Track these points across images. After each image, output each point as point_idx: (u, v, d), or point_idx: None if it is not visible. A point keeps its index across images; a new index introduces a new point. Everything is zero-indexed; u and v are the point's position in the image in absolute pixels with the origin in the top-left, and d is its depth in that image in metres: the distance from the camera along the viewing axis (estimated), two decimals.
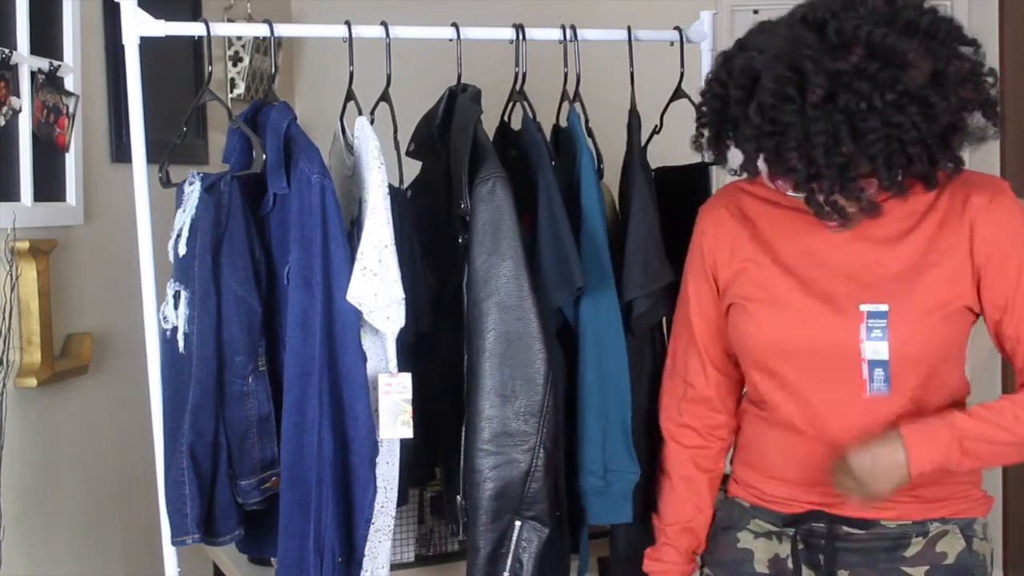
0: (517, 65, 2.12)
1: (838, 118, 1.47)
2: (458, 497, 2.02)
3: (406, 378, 1.93)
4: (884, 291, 1.65)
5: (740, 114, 1.57)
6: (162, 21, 2.00)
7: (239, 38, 3.40)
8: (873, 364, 1.64)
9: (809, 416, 1.69)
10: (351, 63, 2.05)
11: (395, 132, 2.05)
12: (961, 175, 1.64)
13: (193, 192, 1.92)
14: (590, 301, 2.01)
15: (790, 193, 1.62)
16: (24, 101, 2.41)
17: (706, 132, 1.70)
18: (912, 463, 1.58)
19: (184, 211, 1.94)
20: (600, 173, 2.15)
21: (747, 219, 1.79)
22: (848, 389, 1.66)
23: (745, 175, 1.68)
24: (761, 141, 1.53)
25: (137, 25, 1.98)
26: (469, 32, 2.10)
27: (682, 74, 2.24)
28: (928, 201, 1.67)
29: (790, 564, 1.74)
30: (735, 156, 1.69)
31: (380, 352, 1.94)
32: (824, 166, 1.50)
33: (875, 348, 1.63)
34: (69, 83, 2.58)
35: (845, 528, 1.71)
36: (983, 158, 3.52)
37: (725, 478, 2.65)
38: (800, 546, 1.74)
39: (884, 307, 1.64)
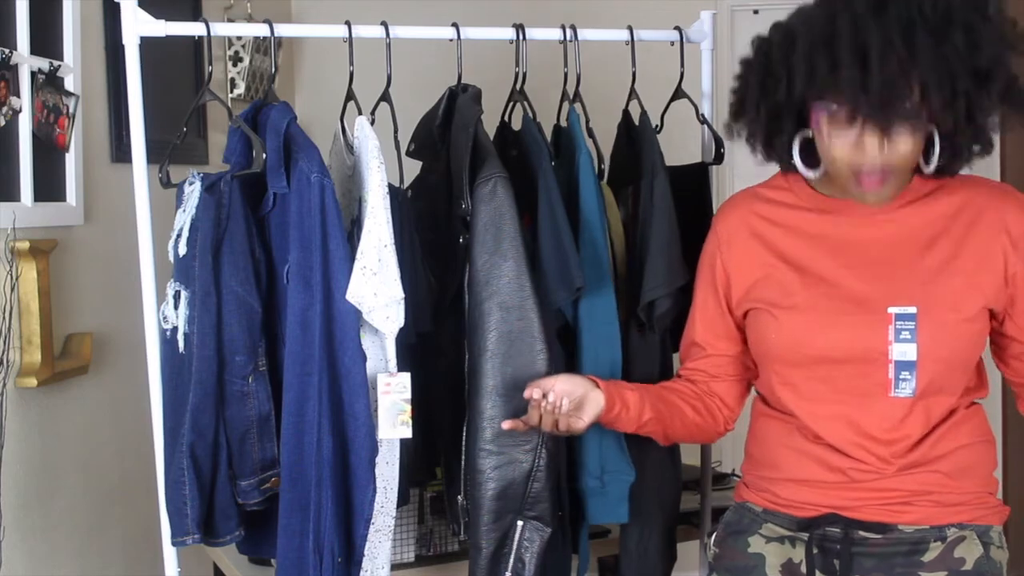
0: (517, 65, 2.12)
1: (892, 27, 1.52)
2: (459, 497, 2.02)
3: (405, 378, 1.93)
4: (912, 294, 1.65)
5: (780, 59, 1.63)
6: (162, 21, 2.00)
7: (239, 38, 3.40)
8: (900, 366, 1.64)
9: (827, 419, 1.68)
10: (351, 63, 2.05)
11: (395, 132, 2.05)
12: (977, 182, 1.70)
13: (193, 192, 1.92)
14: (588, 301, 2.01)
15: (811, 177, 1.66)
16: (24, 101, 2.41)
17: (744, 116, 1.73)
18: None
19: (184, 211, 1.94)
20: (601, 174, 2.15)
21: (765, 224, 1.78)
22: (871, 391, 1.66)
23: (778, 163, 1.73)
24: (815, 58, 1.57)
25: (137, 25, 1.98)
26: (469, 32, 2.10)
27: (682, 74, 2.24)
28: (955, 205, 1.69)
29: (803, 569, 1.71)
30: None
31: (380, 352, 1.94)
32: (877, 73, 1.51)
33: (903, 350, 1.63)
34: (69, 83, 2.58)
35: (861, 533, 1.68)
36: (983, 160, 3.52)
37: (723, 477, 2.66)
38: (815, 551, 1.71)
39: (912, 309, 1.64)
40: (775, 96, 1.65)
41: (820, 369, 1.69)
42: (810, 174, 1.70)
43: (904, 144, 1.59)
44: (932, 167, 1.65)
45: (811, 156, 1.69)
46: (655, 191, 2.04)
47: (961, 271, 1.66)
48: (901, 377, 1.64)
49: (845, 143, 1.60)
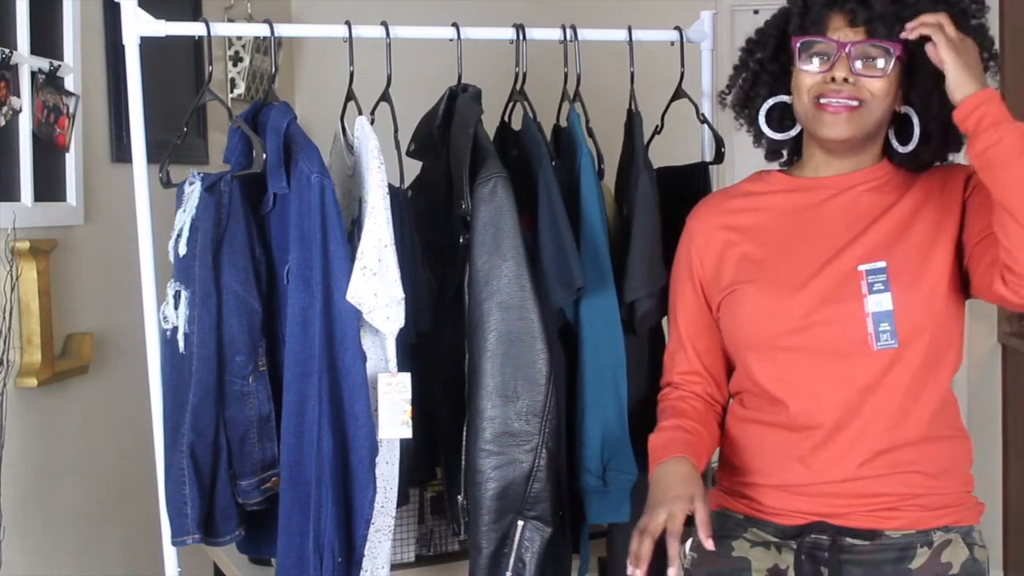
0: (517, 65, 2.12)
1: None
2: (459, 497, 2.02)
3: (406, 378, 1.93)
4: (879, 252, 1.68)
5: (772, 23, 1.80)
6: (162, 21, 2.00)
7: (239, 38, 3.40)
8: (878, 317, 1.64)
9: (813, 393, 1.67)
10: (351, 63, 2.05)
11: (395, 132, 2.05)
12: (940, 166, 1.78)
13: (193, 192, 1.92)
14: (589, 301, 2.01)
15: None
16: (24, 101, 2.41)
17: (732, 85, 1.85)
18: (984, 88, 1.57)
19: (184, 211, 1.94)
20: (601, 173, 2.15)
21: (736, 215, 1.81)
22: (855, 351, 1.65)
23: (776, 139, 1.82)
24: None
25: (137, 25, 1.98)
26: (469, 32, 2.10)
27: (682, 74, 2.24)
28: (921, 180, 1.74)
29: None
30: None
31: (380, 352, 1.94)
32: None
33: (878, 300, 1.65)
34: (69, 83, 2.58)
35: (849, 540, 1.68)
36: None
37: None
38: (802, 558, 1.69)
39: (882, 264, 1.66)
40: (760, 56, 1.79)
41: (798, 337, 1.68)
42: (774, 135, 1.80)
43: (874, 84, 1.66)
44: (911, 147, 1.71)
45: (783, 124, 1.81)
46: (637, 191, 2.04)
47: (925, 224, 1.69)
48: (881, 329, 1.64)
49: (816, 76, 1.68)
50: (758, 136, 1.85)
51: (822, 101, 1.67)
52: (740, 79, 1.85)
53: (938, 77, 1.65)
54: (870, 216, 1.71)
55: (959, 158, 1.79)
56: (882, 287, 1.65)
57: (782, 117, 1.81)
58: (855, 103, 1.66)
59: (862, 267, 1.67)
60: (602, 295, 2.02)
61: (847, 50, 1.65)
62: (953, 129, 1.69)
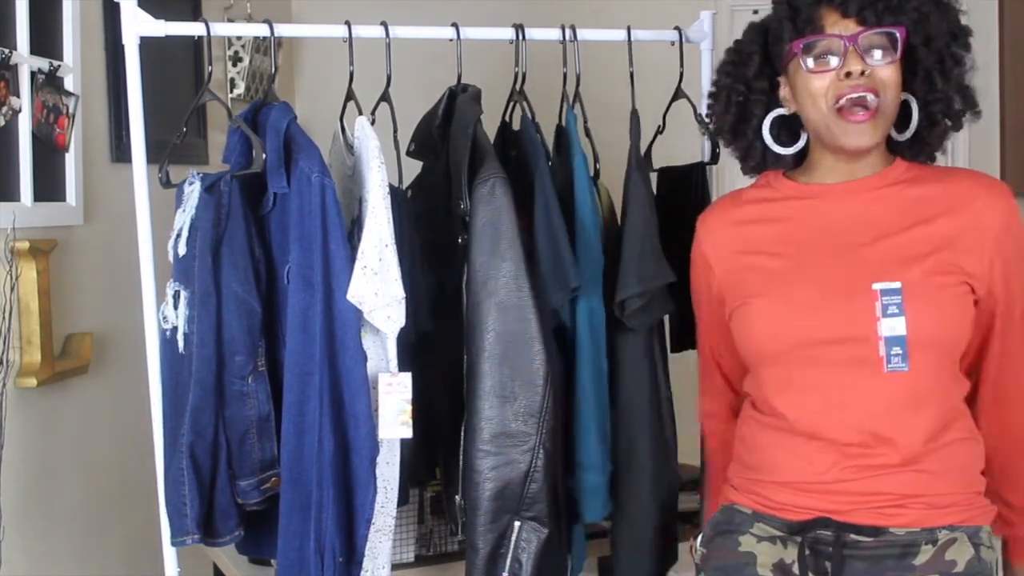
0: (517, 65, 2.12)
1: None
2: (457, 497, 2.02)
3: (406, 378, 1.93)
4: (894, 271, 1.65)
5: (750, 39, 1.80)
6: (162, 21, 2.00)
7: (239, 38, 3.40)
8: (891, 341, 1.62)
9: (823, 409, 1.67)
10: (351, 63, 2.05)
11: (395, 132, 2.05)
12: (961, 173, 1.75)
13: (193, 192, 1.92)
14: (584, 302, 2.02)
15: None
16: (24, 101, 2.41)
17: (716, 108, 1.82)
18: None
19: (184, 211, 1.94)
20: (596, 173, 2.15)
21: (744, 224, 1.79)
22: (865, 371, 1.64)
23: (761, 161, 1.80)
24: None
25: (137, 25, 1.99)
26: (469, 32, 2.10)
27: (682, 74, 2.24)
28: (937, 191, 1.71)
29: (796, 571, 1.70)
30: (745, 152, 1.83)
31: (380, 352, 1.94)
32: None
33: (892, 325, 1.62)
34: (69, 83, 2.58)
35: (853, 536, 1.67)
36: (983, 159, 3.53)
37: None
38: (806, 552, 1.69)
39: (897, 284, 1.63)
40: (747, 74, 1.76)
41: (809, 353, 1.67)
42: (783, 150, 1.77)
43: (885, 72, 1.64)
44: (910, 132, 1.70)
45: (783, 139, 1.78)
46: (629, 192, 2.04)
47: (942, 249, 1.66)
48: (892, 352, 1.62)
49: (827, 76, 1.65)
50: (759, 164, 1.82)
51: (842, 107, 1.64)
52: (725, 104, 1.81)
53: (938, 54, 1.64)
54: (890, 230, 1.68)
55: (960, 144, 1.79)
56: (896, 310, 1.62)
57: (779, 132, 1.78)
58: (874, 99, 1.63)
59: (877, 286, 1.64)
60: (595, 296, 2.02)
61: (855, 42, 1.63)
62: (955, 109, 1.68)
